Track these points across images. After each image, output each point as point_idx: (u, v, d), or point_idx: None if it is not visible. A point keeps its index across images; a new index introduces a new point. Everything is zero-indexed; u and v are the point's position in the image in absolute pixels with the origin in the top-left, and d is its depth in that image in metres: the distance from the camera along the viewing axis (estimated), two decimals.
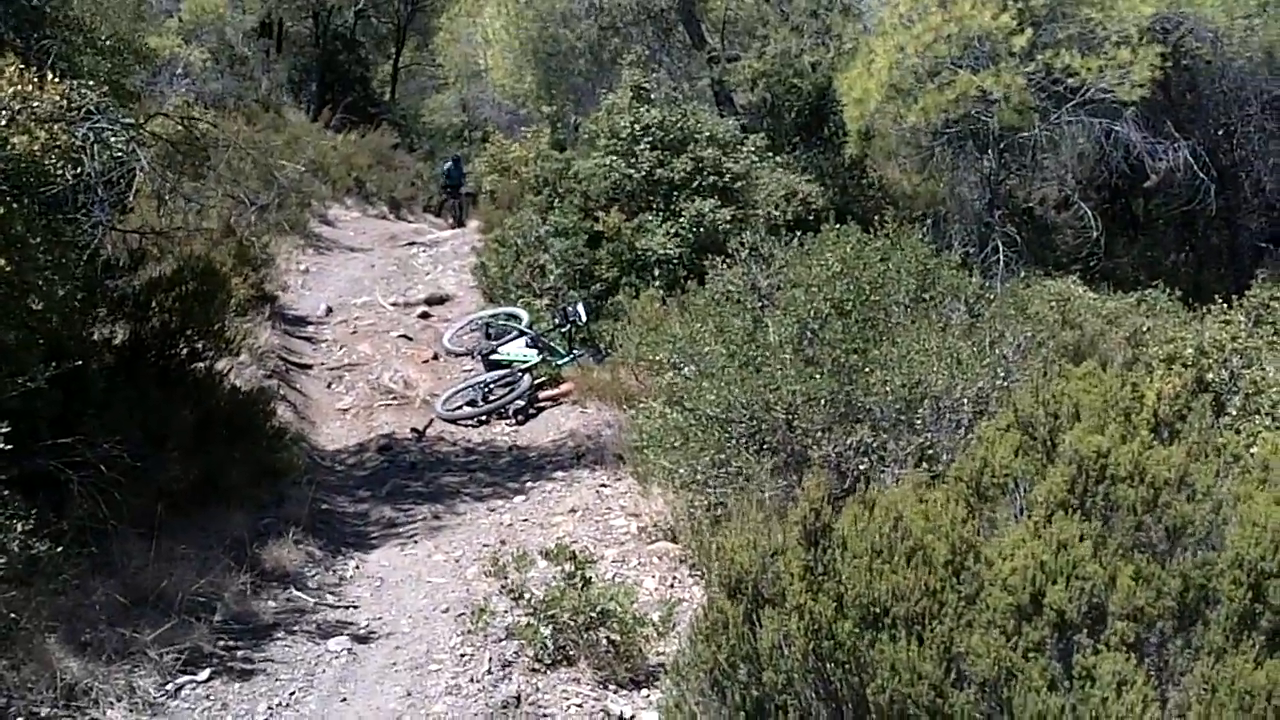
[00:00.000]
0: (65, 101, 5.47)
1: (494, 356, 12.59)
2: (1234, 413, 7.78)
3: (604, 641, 5.90)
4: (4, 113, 5.28)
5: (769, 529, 4.48)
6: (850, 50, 14.75)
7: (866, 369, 7.05)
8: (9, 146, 5.19)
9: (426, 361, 13.56)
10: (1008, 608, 3.94)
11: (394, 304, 15.77)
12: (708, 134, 13.65)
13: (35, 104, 5.32)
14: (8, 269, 5.18)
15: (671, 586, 7.15)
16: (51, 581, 5.32)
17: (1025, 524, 4.19)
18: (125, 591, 6.09)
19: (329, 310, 15.36)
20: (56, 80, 5.49)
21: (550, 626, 5.94)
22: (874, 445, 6.81)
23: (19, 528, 4.87)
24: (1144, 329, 10.29)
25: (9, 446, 4.78)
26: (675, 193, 13.19)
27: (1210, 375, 8.31)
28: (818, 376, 6.98)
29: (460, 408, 11.91)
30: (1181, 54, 13.61)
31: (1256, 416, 7.69)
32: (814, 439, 6.88)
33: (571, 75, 18.26)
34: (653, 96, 14.44)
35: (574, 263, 13.18)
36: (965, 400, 6.90)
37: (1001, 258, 13.52)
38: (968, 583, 4.06)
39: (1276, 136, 15.23)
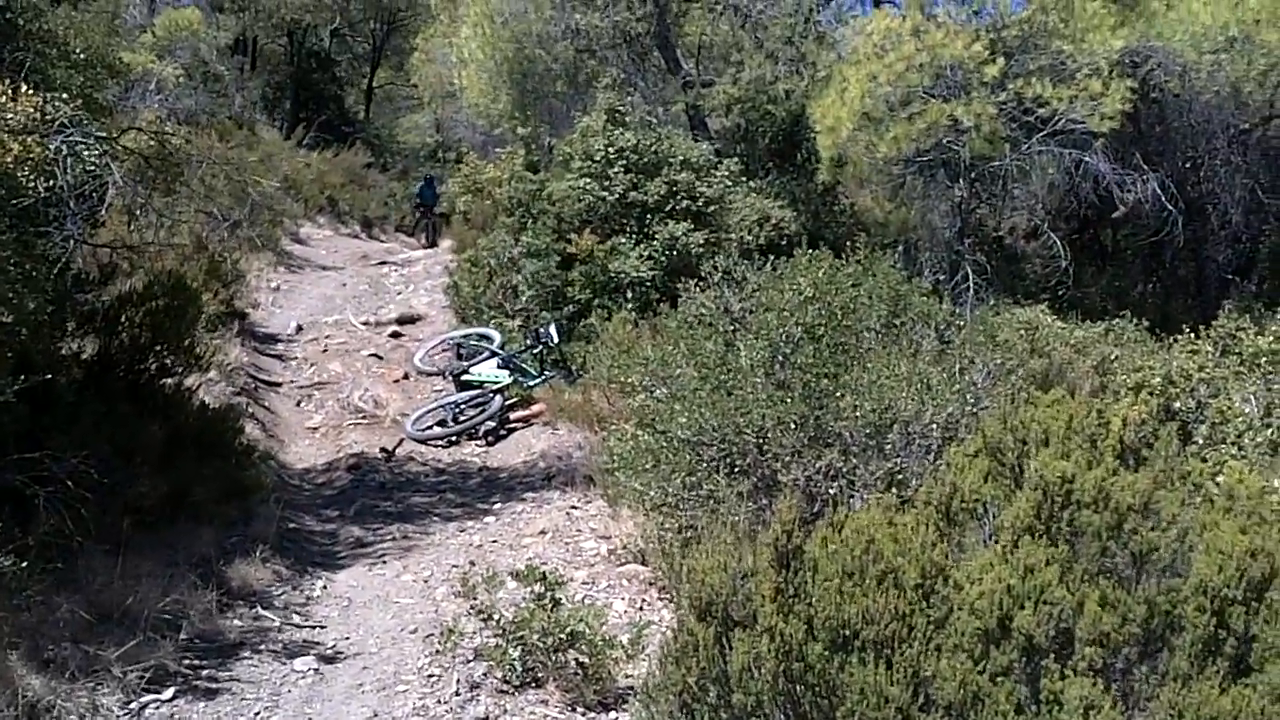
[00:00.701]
0: (39, 114, 5.45)
1: (465, 377, 12.57)
2: (1201, 441, 7.87)
3: (573, 663, 5.89)
4: None
5: (739, 551, 4.49)
6: (824, 78, 14.85)
7: (837, 394, 7.08)
8: None
9: (397, 381, 13.52)
10: (975, 632, 3.97)
11: (365, 323, 15.73)
12: (682, 158, 13.72)
13: (9, 116, 5.30)
14: None
15: (641, 609, 7.14)
16: (15, 597, 5.27)
17: (993, 548, 4.22)
18: (90, 608, 6.03)
19: (299, 328, 15.31)
20: (30, 93, 5.47)
21: (519, 648, 5.92)
22: (844, 469, 6.84)
23: None
24: (1112, 358, 10.38)
25: None
26: (648, 216, 13.24)
27: (1178, 404, 8.41)
28: (789, 400, 7.01)
29: (430, 428, 11.88)
30: (1150, 87, 13.78)
31: (1223, 445, 7.77)
32: (784, 462, 6.90)
33: (547, 97, 18.31)
34: (627, 120, 14.50)
35: (546, 284, 13.20)
36: (935, 426, 6.94)
37: (971, 285, 13.62)
38: (936, 606, 4.09)
39: (1243, 170, 15.39)
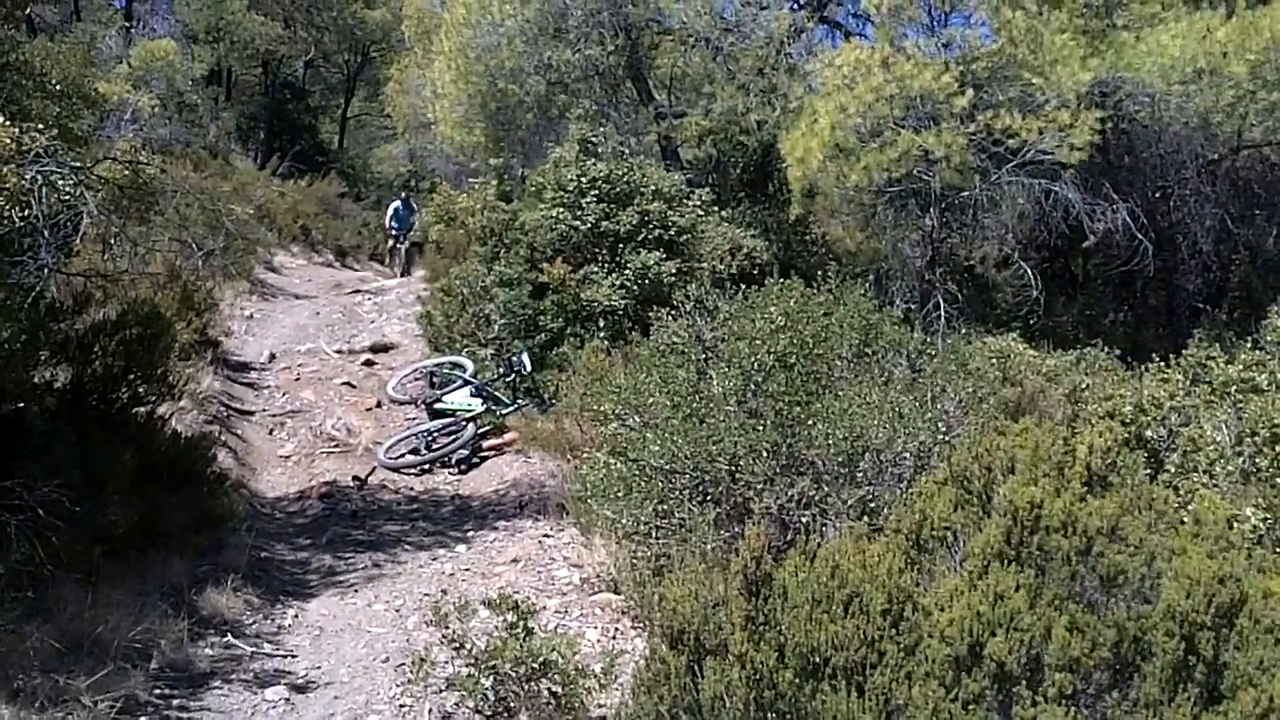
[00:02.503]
0: (15, 145, 5.45)
1: (438, 405, 12.55)
2: (1172, 470, 7.92)
3: (545, 693, 5.87)
4: None
5: (711, 580, 4.51)
6: (795, 109, 14.98)
7: (809, 422, 7.12)
8: None
9: (370, 409, 13.49)
10: (946, 659, 3.99)
11: (338, 351, 15.70)
12: (654, 188, 13.80)
13: None
14: None
15: (614, 637, 7.14)
16: None
17: (962, 575, 4.25)
18: (60, 637, 5.99)
19: (272, 357, 15.27)
20: (7, 123, 5.47)
21: (491, 677, 5.90)
22: (816, 498, 6.86)
23: None
24: (1083, 386, 10.47)
25: None
26: (621, 245, 13.29)
27: (1149, 433, 8.46)
28: (761, 428, 7.04)
29: (403, 456, 11.85)
30: (1120, 118, 13.95)
31: (1194, 474, 7.81)
32: (756, 491, 6.93)
33: (519, 129, 18.39)
34: (600, 150, 14.58)
35: (519, 313, 13.22)
36: (907, 454, 6.99)
37: (943, 314, 13.73)
38: (906, 633, 4.11)
39: (1212, 200, 15.59)
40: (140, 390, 8.33)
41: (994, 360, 11.08)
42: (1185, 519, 4.69)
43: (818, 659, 4.06)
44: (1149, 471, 6.93)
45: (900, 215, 14.80)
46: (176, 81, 23.81)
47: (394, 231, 23.51)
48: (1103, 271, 17.15)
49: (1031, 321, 15.30)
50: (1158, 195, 15.76)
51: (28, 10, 9.07)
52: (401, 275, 22.73)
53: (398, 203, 23.83)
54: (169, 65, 23.27)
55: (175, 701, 6.09)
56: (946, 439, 7.07)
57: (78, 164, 6.79)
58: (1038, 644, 3.94)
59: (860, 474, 6.96)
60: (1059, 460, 4.49)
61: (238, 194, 21.16)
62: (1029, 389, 10.60)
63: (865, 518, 6.56)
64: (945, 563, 4.57)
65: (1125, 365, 11.93)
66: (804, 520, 6.79)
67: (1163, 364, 9.70)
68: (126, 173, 7.85)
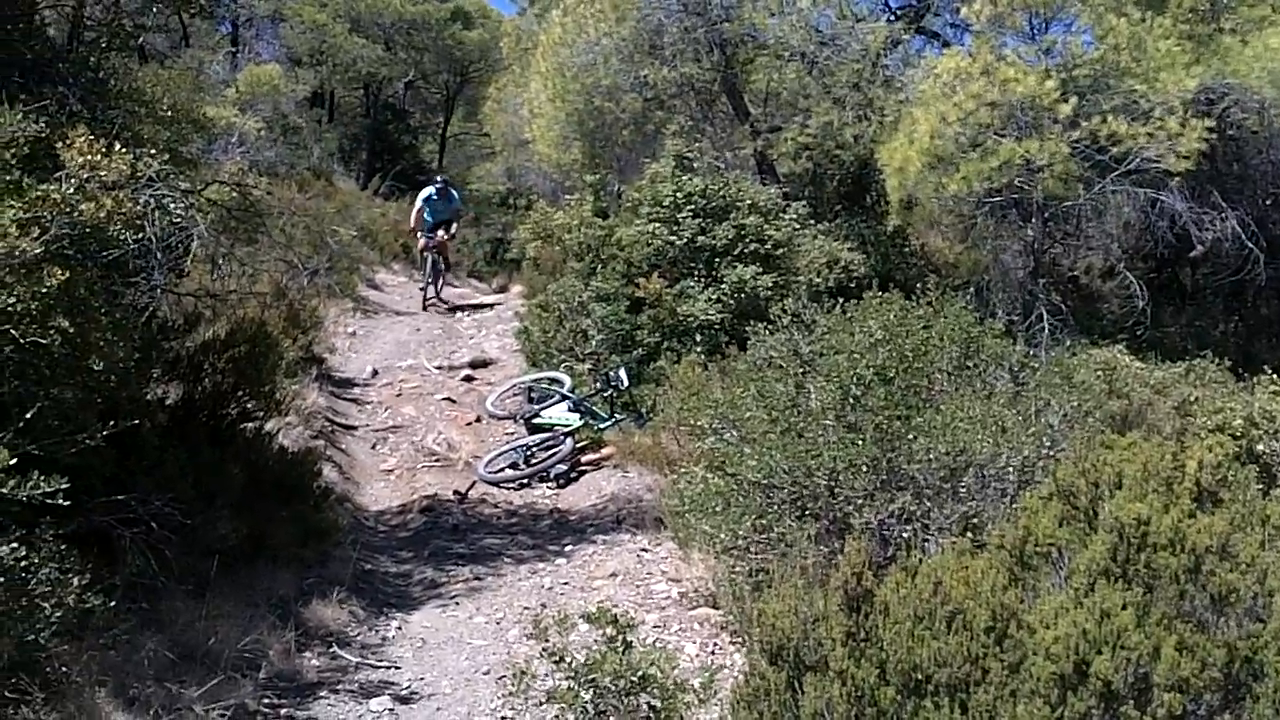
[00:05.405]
0: (130, 171, 5.63)
1: (536, 420, 12.64)
2: None
3: (645, 707, 5.87)
4: (73, 181, 5.44)
5: (811, 595, 4.49)
6: (892, 121, 14.84)
7: (909, 436, 7.05)
8: (77, 213, 5.35)
9: (469, 424, 13.63)
10: (1051, 677, 3.93)
11: (438, 367, 15.90)
12: (749, 202, 13.78)
13: (102, 173, 5.48)
14: (70, 330, 5.31)
15: (713, 653, 7.13)
16: (103, 636, 5.40)
17: (1067, 592, 4.19)
18: (173, 647, 6.17)
19: (375, 372, 15.51)
20: (123, 150, 5.65)
21: (591, 691, 5.91)
22: (917, 513, 6.80)
23: (76, 582, 4.96)
24: (1192, 399, 10.23)
25: (68, 503, 4.88)
26: (717, 259, 13.30)
27: (1260, 446, 8.26)
28: (860, 443, 6.99)
29: (502, 470, 11.95)
30: (1227, 124, 13.63)
31: None
32: (856, 506, 6.88)
33: (616, 145, 18.47)
34: (695, 165, 14.60)
35: (616, 328, 13.26)
36: (1010, 469, 6.88)
37: (1046, 326, 13.49)
38: (1010, 650, 4.06)
39: None
40: (248, 406, 8.52)
41: (1100, 372, 10.86)
42: None
43: (920, 676, 4.02)
44: (1261, 487, 6.76)
45: (1001, 225, 14.58)
46: (281, 105, 24.34)
47: (426, 228, 19.55)
48: (1212, 281, 16.74)
49: (1138, 333, 14.97)
50: (1269, 203, 15.35)
51: (140, 40, 9.37)
52: (429, 300, 20.19)
53: (431, 190, 19.59)
54: (274, 89, 23.79)
55: (283, 711, 6.22)
56: (1051, 453, 6.95)
57: (188, 187, 6.99)
58: (1145, 663, 3.87)
59: (963, 489, 6.87)
60: (1167, 476, 4.40)
61: (341, 214, 21.54)
62: (1136, 402, 10.38)
63: (968, 533, 6.48)
64: (1050, 580, 4.50)
65: (1236, 377, 11.64)
66: (905, 536, 6.73)
67: (1275, 376, 9.45)
68: (234, 195, 8.05)
